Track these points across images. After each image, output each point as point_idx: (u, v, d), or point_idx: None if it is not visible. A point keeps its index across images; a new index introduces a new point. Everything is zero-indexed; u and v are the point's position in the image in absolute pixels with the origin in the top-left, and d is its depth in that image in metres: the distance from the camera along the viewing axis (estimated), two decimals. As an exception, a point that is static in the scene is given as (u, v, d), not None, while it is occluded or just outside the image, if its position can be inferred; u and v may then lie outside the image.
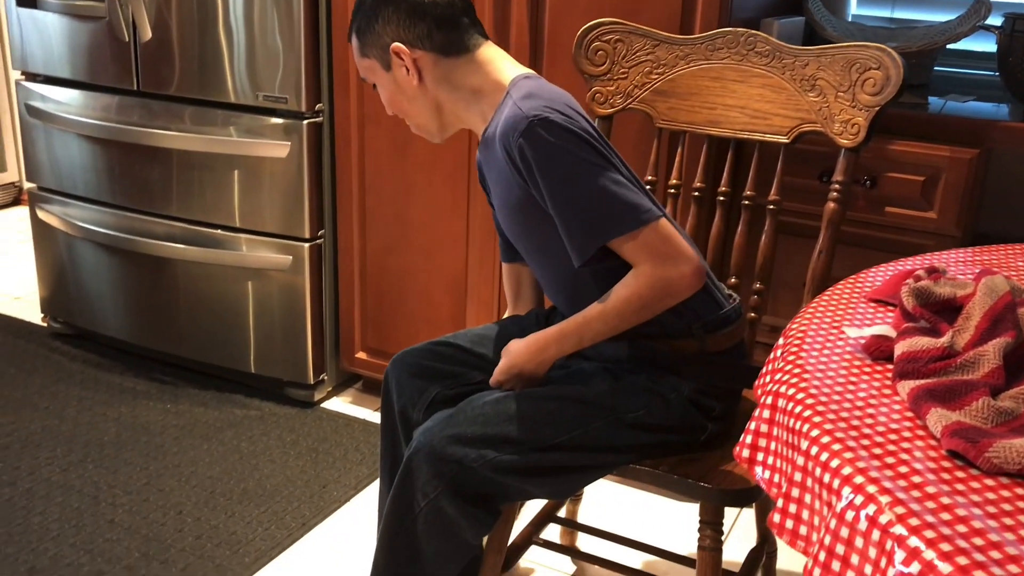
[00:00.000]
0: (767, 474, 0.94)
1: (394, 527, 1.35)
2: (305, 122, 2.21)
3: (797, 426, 0.87)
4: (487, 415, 1.33)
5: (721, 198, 1.63)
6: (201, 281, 2.45)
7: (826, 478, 0.80)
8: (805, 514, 0.85)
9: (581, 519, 2.02)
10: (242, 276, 2.39)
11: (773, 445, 0.94)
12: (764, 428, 0.96)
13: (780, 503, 0.88)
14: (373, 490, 2.11)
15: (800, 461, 0.85)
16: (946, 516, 0.72)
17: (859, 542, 0.74)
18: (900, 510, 0.72)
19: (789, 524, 0.87)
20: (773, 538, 1.73)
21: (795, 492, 0.87)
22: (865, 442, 0.82)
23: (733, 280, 1.60)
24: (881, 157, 1.79)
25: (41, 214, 2.67)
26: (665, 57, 1.61)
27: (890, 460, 0.79)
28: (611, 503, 2.11)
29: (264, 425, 2.35)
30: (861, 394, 0.91)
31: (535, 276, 1.55)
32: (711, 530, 1.38)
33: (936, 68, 2.17)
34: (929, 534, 0.69)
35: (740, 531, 2.02)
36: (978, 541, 0.69)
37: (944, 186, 1.76)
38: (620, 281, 1.33)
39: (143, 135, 2.37)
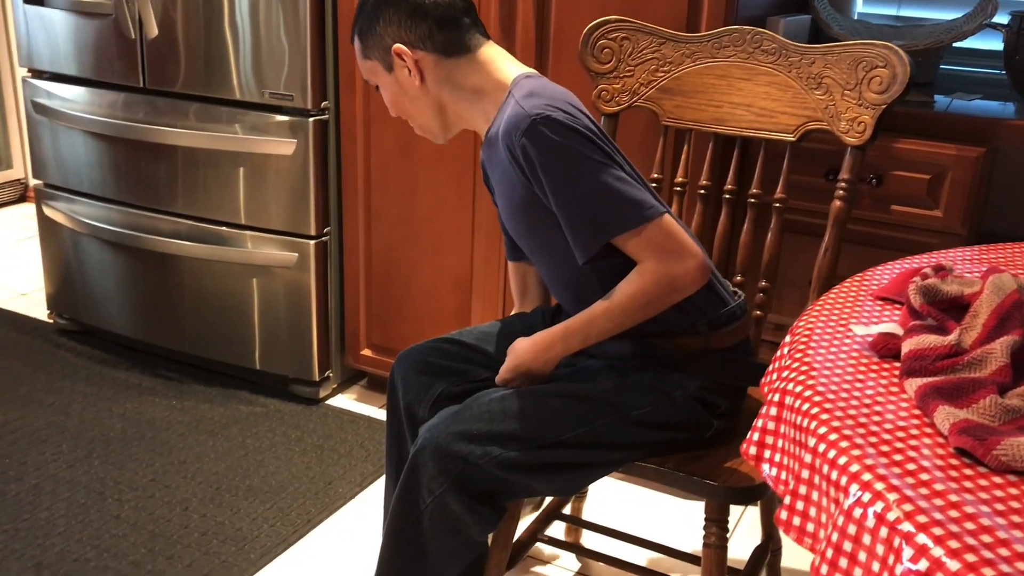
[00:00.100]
0: (774, 471, 0.94)
1: (400, 523, 1.36)
2: (311, 119, 2.22)
3: (805, 423, 0.88)
4: (493, 412, 1.33)
5: (727, 196, 1.63)
6: (207, 278, 2.45)
7: (834, 475, 0.80)
8: (813, 511, 0.85)
9: (586, 516, 2.02)
10: (247, 273, 2.40)
11: (780, 442, 0.94)
12: (771, 425, 0.96)
13: (787, 500, 0.89)
14: (378, 486, 2.11)
15: (808, 458, 0.86)
16: (954, 513, 0.72)
17: (867, 539, 0.74)
18: (908, 507, 0.72)
19: (796, 521, 0.87)
20: (778, 535, 1.73)
21: (803, 489, 0.87)
22: (873, 439, 0.82)
23: (739, 278, 1.60)
24: (887, 155, 1.79)
25: (47, 211, 2.68)
26: (671, 55, 1.61)
27: (898, 457, 0.79)
28: (616, 500, 2.11)
29: (269, 422, 2.36)
30: (868, 392, 0.91)
31: (540, 274, 1.55)
32: (716, 527, 1.38)
33: (942, 66, 2.17)
34: (937, 531, 0.69)
35: (745, 528, 2.02)
36: (986, 538, 0.69)
37: (950, 184, 1.76)
38: (625, 278, 1.34)
39: (149, 132, 2.37)
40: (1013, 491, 0.76)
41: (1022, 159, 2.09)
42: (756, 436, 0.98)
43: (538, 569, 1.88)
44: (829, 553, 0.77)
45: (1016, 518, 0.72)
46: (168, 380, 2.55)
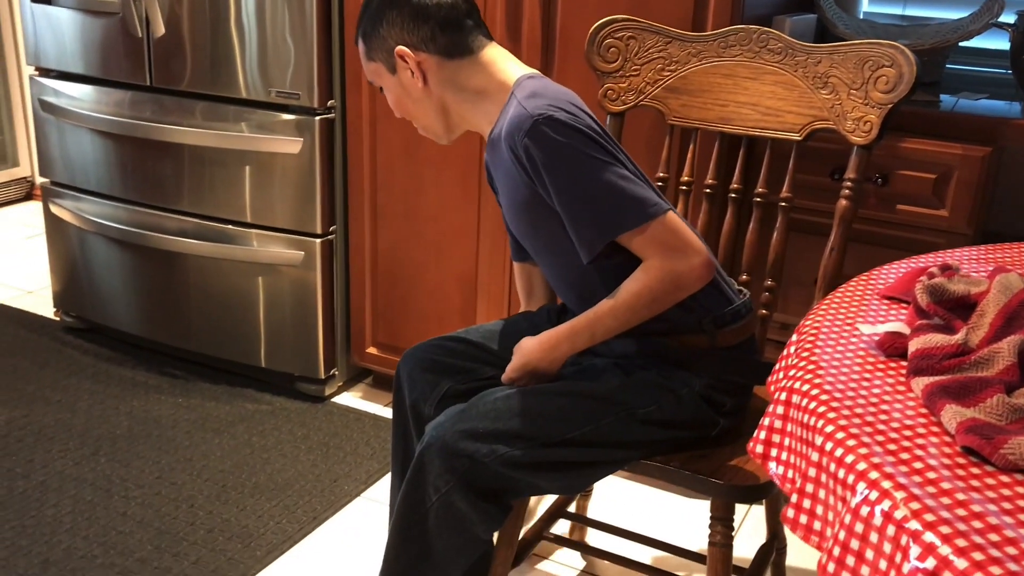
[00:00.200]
0: (781, 470, 0.95)
1: (406, 521, 1.36)
2: (317, 118, 2.22)
3: (811, 422, 0.88)
4: (499, 410, 1.33)
5: (733, 195, 1.63)
6: (213, 276, 2.46)
7: (841, 473, 0.80)
8: (819, 509, 0.86)
9: (591, 514, 2.03)
10: (254, 271, 2.40)
11: (787, 441, 0.94)
12: (778, 424, 0.96)
13: (795, 498, 0.89)
14: (383, 484, 2.12)
15: (814, 457, 0.86)
16: (961, 512, 0.72)
17: (874, 537, 0.74)
18: (915, 506, 0.73)
19: (803, 519, 0.88)
20: (783, 534, 1.73)
21: (809, 488, 0.87)
22: (880, 438, 0.82)
23: (744, 277, 1.60)
24: (893, 155, 1.79)
25: (54, 209, 2.69)
26: (677, 54, 1.61)
27: (905, 456, 0.79)
28: (621, 498, 2.11)
29: (275, 419, 2.37)
30: (875, 390, 0.91)
31: (544, 274, 1.56)
32: (722, 526, 1.38)
33: (948, 66, 2.17)
34: (944, 530, 0.70)
35: (750, 527, 2.03)
36: (993, 537, 0.69)
37: (956, 184, 1.76)
38: (630, 276, 1.34)
39: (155, 130, 2.38)
40: (1020, 490, 0.76)
41: (1028, 159, 2.09)
42: (763, 434, 0.98)
43: (543, 567, 1.88)
44: (836, 551, 0.78)
45: (1023, 516, 0.72)
46: (174, 378, 2.56)
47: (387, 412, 2.42)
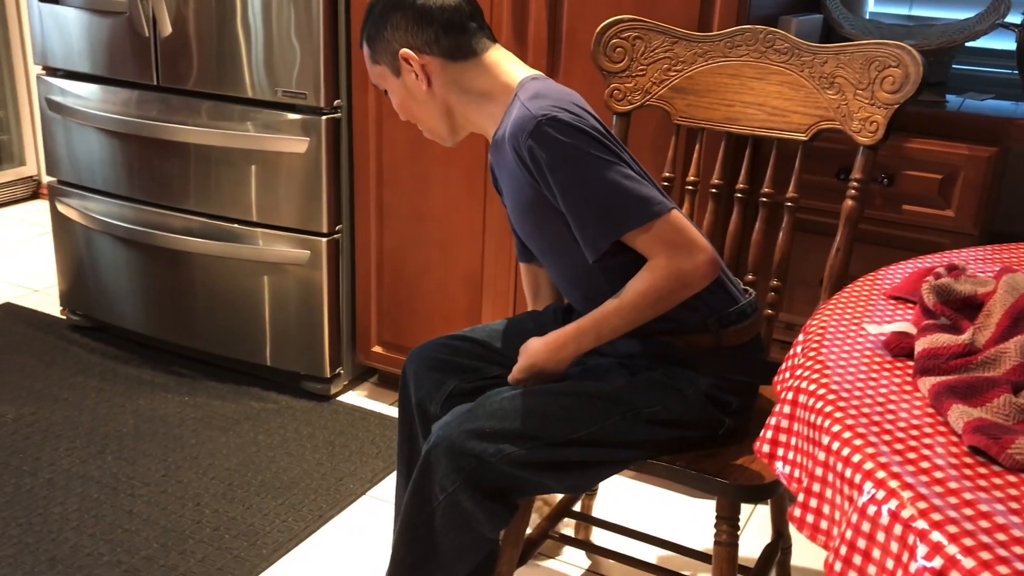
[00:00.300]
0: (788, 469, 0.95)
1: (412, 520, 1.37)
2: (323, 118, 2.23)
3: (818, 421, 0.88)
4: (505, 410, 1.34)
5: (739, 195, 1.63)
6: (219, 275, 2.47)
7: (847, 473, 0.81)
8: (826, 509, 0.86)
9: (596, 513, 2.03)
10: (259, 270, 2.41)
11: (794, 440, 0.95)
12: (784, 423, 0.96)
13: (801, 498, 0.89)
14: (389, 483, 2.12)
15: (821, 456, 0.86)
16: (968, 512, 0.72)
17: (881, 537, 0.74)
18: (922, 505, 0.73)
19: (810, 519, 0.88)
20: (788, 534, 1.73)
21: (816, 487, 0.87)
22: (887, 438, 0.82)
23: (750, 277, 1.61)
24: (899, 155, 1.79)
25: (61, 207, 2.69)
26: (684, 54, 1.61)
27: (912, 455, 0.80)
28: (626, 498, 2.11)
29: (281, 418, 2.37)
30: (882, 390, 0.91)
31: (550, 275, 1.56)
32: (727, 525, 1.38)
33: (954, 66, 2.16)
34: (952, 529, 0.70)
35: (755, 527, 2.03)
36: (1001, 536, 0.69)
37: (962, 184, 1.76)
38: (635, 275, 1.34)
39: (162, 129, 2.39)
40: (1027, 489, 0.76)
41: (1034, 159, 2.09)
42: (770, 434, 0.98)
43: (549, 565, 1.89)
44: (843, 550, 0.78)
45: (1030, 516, 0.72)
46: (180, 376, 2.56)
47: (392, 411, 2.42)
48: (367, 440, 2.28)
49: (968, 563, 0.67)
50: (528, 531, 1.61)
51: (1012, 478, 0.78)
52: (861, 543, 0.76)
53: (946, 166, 1.76)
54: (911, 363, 0.97)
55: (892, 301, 1.14)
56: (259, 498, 2.04)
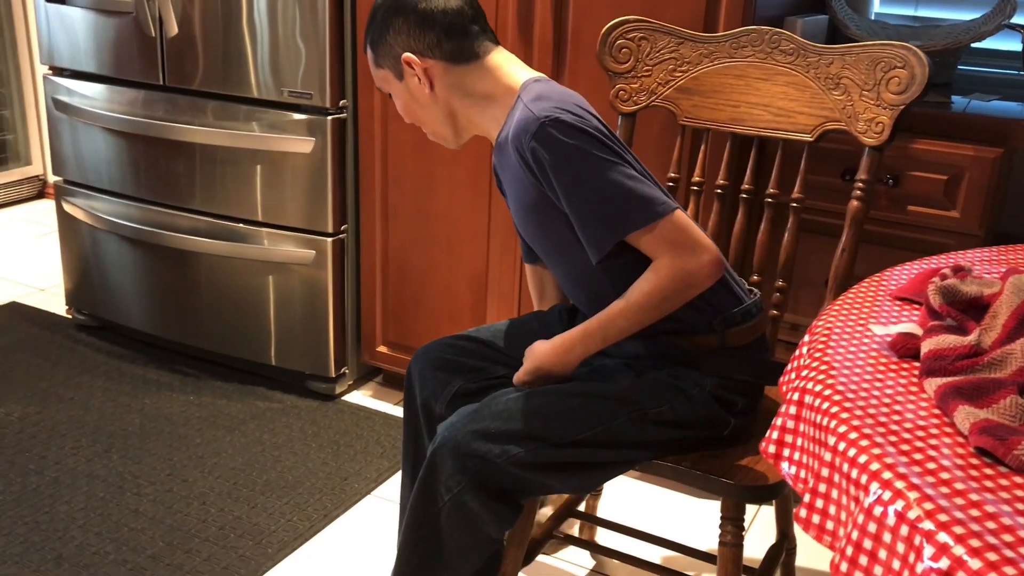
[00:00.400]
0: (793, 470, 0.95)
1: (418, 520, 1.37)
2: (329, 118, 2.23)
3: (824, 422, 0.88)
4: (511, 411, 1.34)
5: (744, 196, 1.63)
6: (224, 274, 2.47)
7: (854, 474, 0.81)
8: (832, 509, 0.86)
9: (601, 514, 2.03)
10: (265, 270, 2.41)
11: (799, 441, 0.95)
12: (791, 424, 0.96)
13: (807, 499, 0.89)
14: (394, 482, 2.12)
15: (827, 457, 0.86)
16: (975, 512, 0.72)
17: (887, 537, 0.74)
18: (929, 506, 0.73)
19: (816, 519, 0.88)
20: (793, 534, 1.73)
21: (822, 487, 0.87)
22: (893, 438, 0.82)
23: (755, 277, 1.61)
24: (904, 156, 1.79)
25: (67, 207, 2.70)
26: (689, 55, 1.62)
27: (918, 456, 0.80)
28: (631, 498, 2.12)
29: (286, 417, 2.38)
30: (888, 391, 0.91)
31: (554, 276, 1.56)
32: (732, 526, 1.39)
33: (960, 67, 2.16)
34: (958, 530, 0.70)
35: (760, 527, 2.03)
36: (1007, 537, 0.69)
37: (967, 185, 1.76)
38: (640, 276, 1.34)
39: (168, 129, 2.39)
40: (1033, 491, 0.76)
41: (1040, 160, 2.08)
42: (775, 435, 0.98)
43: (553, 565, 1.89)
44: (849, 551, 0.78)
45: (1036, 517, 0.72)
46: (186, 376, 2.57)
47: (397, 411, 2.42)
48: (372, 440, 2.29)
49: (975, 564, 0.67)
50: (533, 531, 1.61)
51: (1018, 479, 0.78)
52: (867, 544, 0.76)
53: (952, 167, 1.76)
54: (917, 364, 0.97)
55: (898, 302, 1.14)
56: (264, 497, 2.05)
